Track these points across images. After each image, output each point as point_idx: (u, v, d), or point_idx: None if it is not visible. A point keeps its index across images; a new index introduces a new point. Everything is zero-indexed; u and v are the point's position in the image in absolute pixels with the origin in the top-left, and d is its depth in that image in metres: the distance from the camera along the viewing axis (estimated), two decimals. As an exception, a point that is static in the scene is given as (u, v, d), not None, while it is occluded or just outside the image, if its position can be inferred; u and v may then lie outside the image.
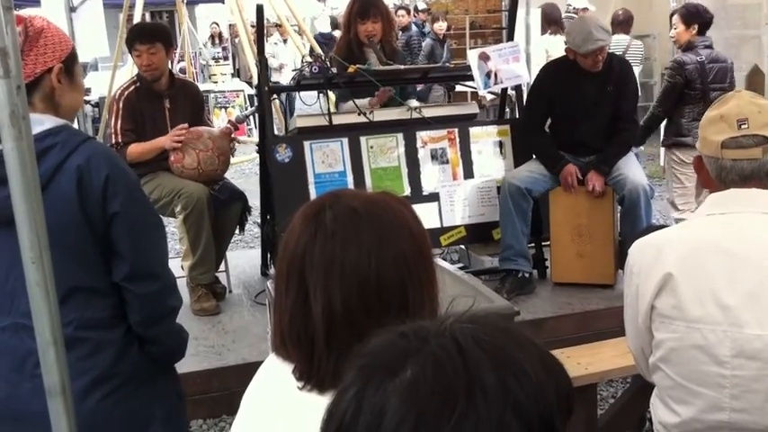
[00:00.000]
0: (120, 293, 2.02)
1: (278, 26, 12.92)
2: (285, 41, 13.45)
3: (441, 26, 10.30)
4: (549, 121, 4.78)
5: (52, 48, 1.97)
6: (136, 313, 2.04)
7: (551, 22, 8.01)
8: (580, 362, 2.87)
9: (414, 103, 4.95)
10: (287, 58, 12.57)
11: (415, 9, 12.12)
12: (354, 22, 4.67)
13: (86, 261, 1.96)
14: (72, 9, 5.03)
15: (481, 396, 0.72)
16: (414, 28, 11.18)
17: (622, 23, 8.05)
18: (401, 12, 11.29)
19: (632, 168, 4.42)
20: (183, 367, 3.66)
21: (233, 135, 4.61)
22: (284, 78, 12.12)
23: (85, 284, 1.98)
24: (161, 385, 2.21)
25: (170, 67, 4.62)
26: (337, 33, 12.12)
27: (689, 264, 1.85)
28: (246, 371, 1.48)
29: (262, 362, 1.44)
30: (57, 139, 1.91)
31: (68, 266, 1.89)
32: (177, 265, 4.55)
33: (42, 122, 1.91)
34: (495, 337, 0.77)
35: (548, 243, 4.62)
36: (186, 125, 4.29)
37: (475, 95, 8.36)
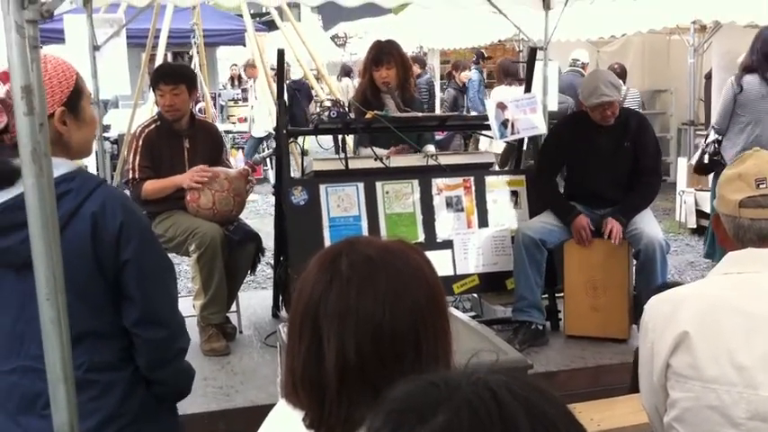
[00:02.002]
0: (128, 336, 2.02)
1: (251, 67, 11.92)
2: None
3: (467, 75, 10.41)
4: (564, 172, 4.80)
5: (51, 93, 1.93)
6: (143, 357, 2.05)
7: (508, 74, 8.80)
8: (593, 417, 2.82)
9: (431, 149, 4.97)
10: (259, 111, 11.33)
11: (481, 56, 12.18)
12: (370, 68, 4.73)
13: (97, 306, 1.96)
14: (96, 48, 5.10)
15: None
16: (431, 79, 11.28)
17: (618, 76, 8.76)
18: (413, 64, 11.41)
19: (649, 223, 4.40)
20: (190, 407, 3.67)
21: (250, 176, 4.64)
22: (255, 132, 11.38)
23: (95, 329, 1.98)
24: (166, 424, 2.21)
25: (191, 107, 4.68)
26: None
27: (705, 322, 1.83)
28: (254, 413, 1.47)
29: (270, 405, 1.43)
30: (71, 184, 1.91)
31: (79, 311, 1.89)
32: (189, 304, 4.56)
33: (57, 167, 1.89)
34: (527, 390, 0.78)
35: (561, 295, 4.59)
36: (206, 167, 4.33)
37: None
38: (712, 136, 5.76)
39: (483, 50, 12.57)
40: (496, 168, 5.62)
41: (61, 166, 1.93)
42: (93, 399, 1.96)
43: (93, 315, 1.97)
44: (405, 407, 0.78)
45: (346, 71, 15.97)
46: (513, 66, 9.28)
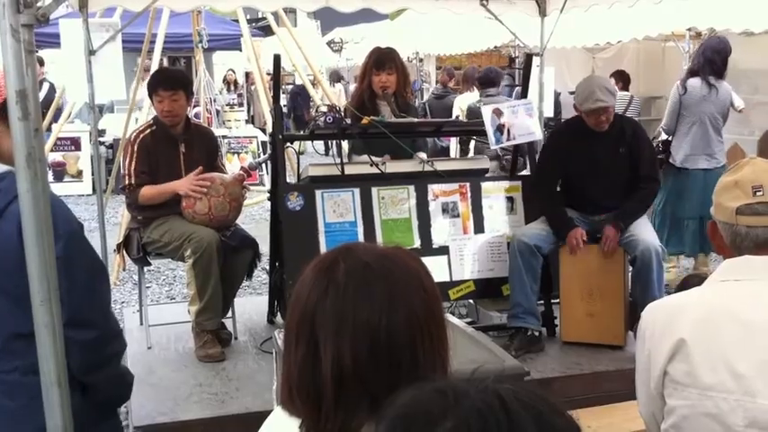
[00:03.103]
0: None
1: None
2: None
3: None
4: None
5: None
6: (74, 360, 2.03)
7: (467, 80, 9.59)
8: (590, 425, 2.82)
9: (423, 155, 4.97)
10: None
11: (513, 60, 11.96)
12: (370, 73, 4.72)
13: (27, 307, 1.93)
14: (91, 52, 5.08)
15: None
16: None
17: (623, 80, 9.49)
18: None
19: (644, 229, 4.40)
20: (184, 414, 3.67)
21: (245, 182, 4.63)
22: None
23: (27, 330, 1.95)
24: (105, 430, 2.21)
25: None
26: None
27: (702, 330, 1.82)
28: (249, 420, 1.47)
29: (265, 412, 1.42)
30: (0, 185, 1.91)
31: (10, 312, 1.88)
32: (184, 310, 4.55)
33: None
34: (534, 400, 0.78)
35: (557, 301, 4.59)
36: (202, 169, 4.33)
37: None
38: (662, 136, 6.04)
39: (514, 57, 12.52)
40: (493, 175, 5.62)
41: None
42: (30, 402, 1.94)
43: (24, 316, 1.94)
44: (412, 412, 0.78)
45: (338, 77, 16.02)
46: (471, 71, 9.85)
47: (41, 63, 10.22)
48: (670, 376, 1.85)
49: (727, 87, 6.04)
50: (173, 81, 4.46)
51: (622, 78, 9.33)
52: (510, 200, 4.77)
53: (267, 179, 9.00)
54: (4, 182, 1.92)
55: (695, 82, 5.92)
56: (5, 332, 1.88)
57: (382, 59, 4.71)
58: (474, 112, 7.87)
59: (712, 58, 5.86)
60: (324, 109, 4.57)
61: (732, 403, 1.76)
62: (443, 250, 4.58)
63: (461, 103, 9.13)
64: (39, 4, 1.71)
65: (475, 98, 8.65)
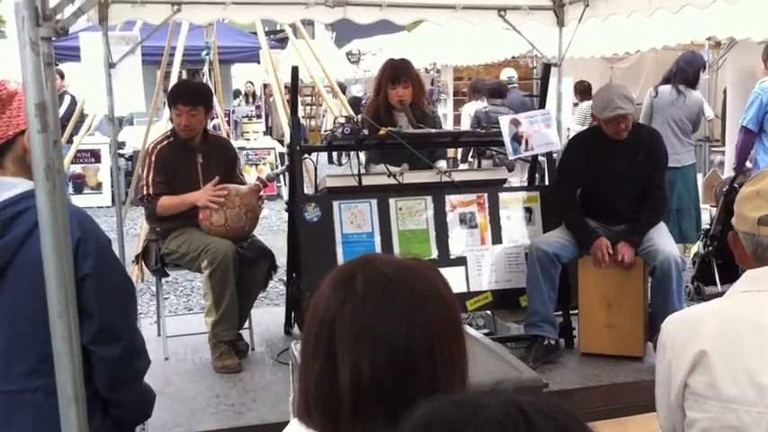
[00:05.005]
0: (85, 358, 1.99)
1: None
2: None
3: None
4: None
5: (26, 110, 1.92)
6: (101, 377, 2.04)
7: (475, 91, 10.17)
8: (608, 437, 2.79)
9: (442, 164, 4.95)
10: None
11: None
12: (385, 87, 4.72)
13: None
14: (111, 65, 5.13)
15: None
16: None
17: (584, 92, 10.53)
18: None
19: (664, 239, 4.37)
20: (201, 425, 3.67)
21: (261, 193, 4.64)
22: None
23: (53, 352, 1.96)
24: None
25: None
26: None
27: (724, 341, 1.80)
28: (266, 432, 1.45)
29: (282, 422, 1.41)
30: (29, 202, 1.90)
31: (40, 333, 1.87)
32: (201, 321, 4.55)
33: (16, 186, 1.92)
34: (556, 412, 0.77)
35: (576, 312, 4.56)
36: (218, 179, 4.34)
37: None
38: None
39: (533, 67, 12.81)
40: (510, 185, 5.60)
41: (20, 185, 1.93)
42: (53, 422, 1.92)
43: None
44: (431, 424, 0.78)
45: (342, 89, 16.15)
46: (478, 82, 10.44)
47: (62, 76, 10.29)
48: (691, 388, 1.83)
49: (698, 96, 6.64)
50: (193, 97, 4.47)
51: (582, 90, 10.39)
52: (528, 210, 4.75)
53: (285, 190, 9.01)
54: (32, 199, 1.90)
55: (666, 88, 6.52)
56: (37, 354, 1.88)
57: (397, 73, 4.70)
58: (480, 118, 8.21)
59: (685, 69, 6.50)
60: (341, 120, 4.58)
61: (755, 416, 1.74)
62: (461, 261, 4.57)
63: (469, 110, 9.81)
64: (58, 17, 1.72)
65: (482, 106, 9.15)
